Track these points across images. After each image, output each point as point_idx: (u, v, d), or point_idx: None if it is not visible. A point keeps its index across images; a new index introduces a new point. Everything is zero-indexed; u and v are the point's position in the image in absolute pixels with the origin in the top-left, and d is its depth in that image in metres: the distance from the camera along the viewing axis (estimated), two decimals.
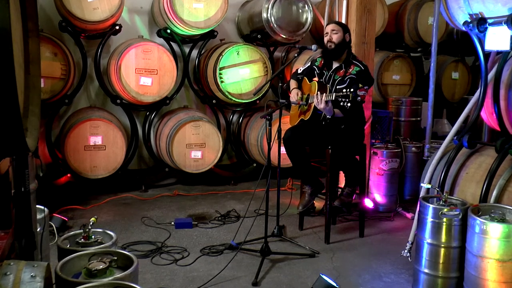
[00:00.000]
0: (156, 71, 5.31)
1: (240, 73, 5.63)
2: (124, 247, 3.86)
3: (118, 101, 5.52)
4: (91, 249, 2.51)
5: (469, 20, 3.33)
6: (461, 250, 3.07)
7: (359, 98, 3.71)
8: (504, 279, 2.79)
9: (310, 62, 4.37)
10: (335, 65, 4.11)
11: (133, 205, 5.12)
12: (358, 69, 4.01)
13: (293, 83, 4.33)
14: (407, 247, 3.58)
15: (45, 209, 2.76)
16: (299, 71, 4.36)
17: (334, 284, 2.99)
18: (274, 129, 3.79)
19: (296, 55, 4.14)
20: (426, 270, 3.18)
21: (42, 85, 4.71)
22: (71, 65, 5.15)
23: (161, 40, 5.70)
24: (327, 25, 4.22)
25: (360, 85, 3.89)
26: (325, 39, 4.08)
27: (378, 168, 4.93)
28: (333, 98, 3.73)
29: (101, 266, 2.28)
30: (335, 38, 4.02)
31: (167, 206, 5.11)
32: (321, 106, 3.83)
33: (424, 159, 4.91)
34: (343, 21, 4.92)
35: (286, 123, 4.42)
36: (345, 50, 4.07)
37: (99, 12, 5.01)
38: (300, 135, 4.09)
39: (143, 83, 5.27)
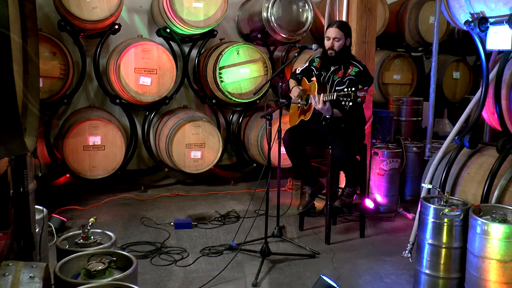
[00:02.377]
0: (155, 71, 5.30)
1: (240, 72, 5.62)
2: (123, 248, 3.85)
3: (117, 100, 5.50)
4: (90, 250, 2.50)
5: (470, 20, 3.32)
6: (462, 250, 3.06)
7: (359, 99, 3.70)
8: (505, 280, 2.77)
9: (308, 63, 4.34)
10: (333, 66, 4.08)
11: (132, 206, 5.10)
12: (357, 69, 3.98)
13: (292, 83, 4.31)
14: (408, 248, 3.57)
15: (44, 209, 2.74)
16: (297, 71, 4.33)
17: (335, 285, 2.98)
18: (274, 129, 3.77)
19: (296, 54, 4.12)
20: (427, 271, 3.16)
21: (40, 85, 4.68)
22: (70, 65, 5.12)
23: (161, 40, 5.69)
24: (329, 27, 4.12)
25: (360, 86, 3.87)
26: (326, 43, 4.02)
27: (378, 168, 4.92)
28: (334, 98, 3.71)
29: (100, 267, 2.27)
30: (337, 46, 3.97)
31: (167, 206, 5.09)
32: (319, 106, 3.81)
33: (425, 159, 4.90)
34: (344, 20, 4.90)
35: (286, 123, 4.41)
36: (345, 54, 4.04)
37: (98, 11, 4.99)
38: (300, 135, 4.07)
39: (142, 82, 5.25)
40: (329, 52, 4.00)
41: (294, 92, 4.17)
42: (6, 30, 1.44)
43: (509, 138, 3.34)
